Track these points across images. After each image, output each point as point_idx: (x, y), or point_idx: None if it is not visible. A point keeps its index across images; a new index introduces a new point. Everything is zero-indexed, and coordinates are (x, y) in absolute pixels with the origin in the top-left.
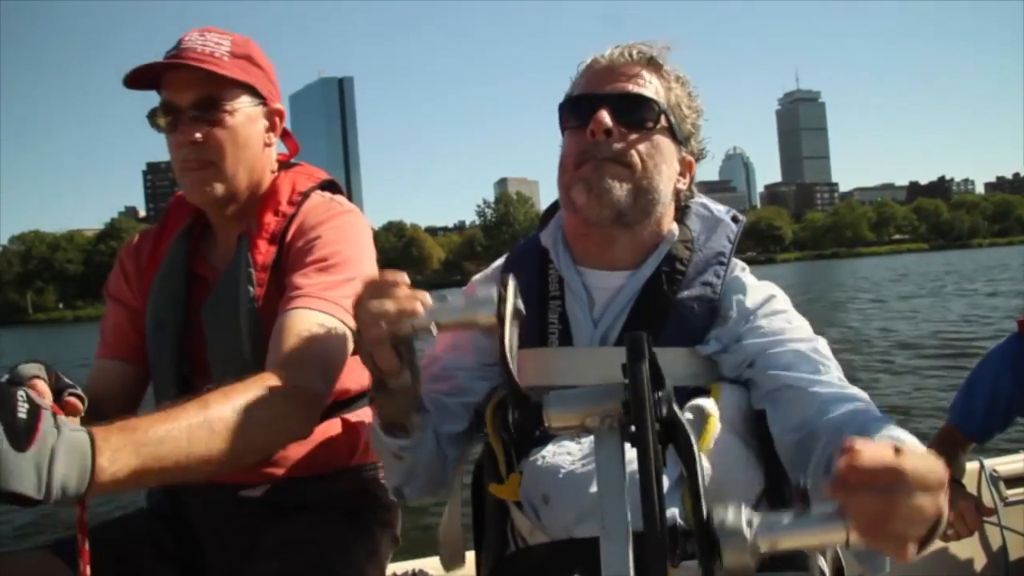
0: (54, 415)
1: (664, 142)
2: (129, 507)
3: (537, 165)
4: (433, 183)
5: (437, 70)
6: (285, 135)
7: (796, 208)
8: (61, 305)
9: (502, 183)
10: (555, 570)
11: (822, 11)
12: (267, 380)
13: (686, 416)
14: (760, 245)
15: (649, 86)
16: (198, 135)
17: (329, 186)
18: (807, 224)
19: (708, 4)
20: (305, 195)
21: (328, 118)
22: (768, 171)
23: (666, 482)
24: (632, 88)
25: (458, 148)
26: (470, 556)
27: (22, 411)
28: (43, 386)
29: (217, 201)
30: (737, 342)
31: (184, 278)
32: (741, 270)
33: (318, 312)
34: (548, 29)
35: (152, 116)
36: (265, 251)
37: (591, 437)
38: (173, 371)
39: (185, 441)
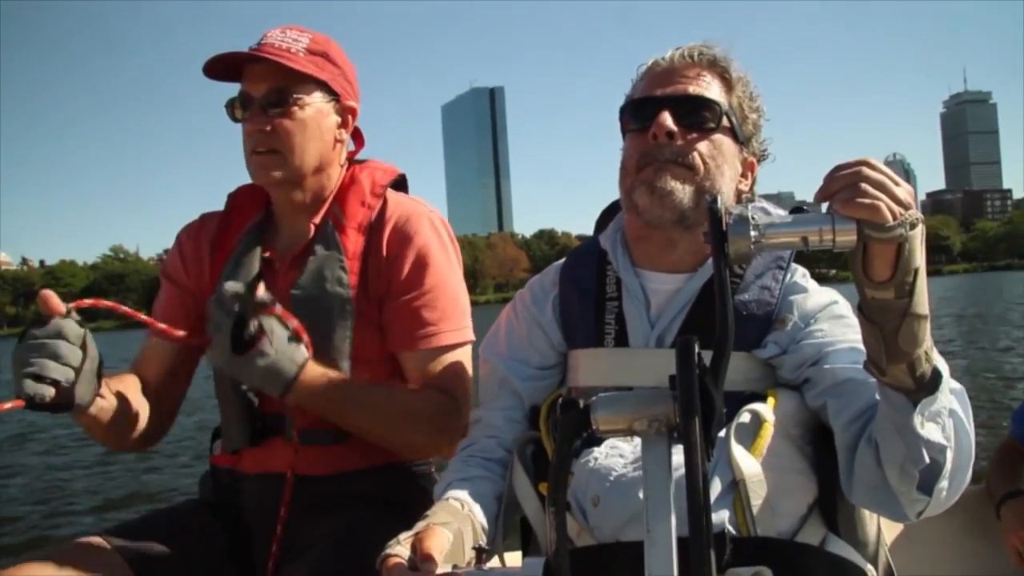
0: (295, 337)
1: (726, 143)
2: (182, 497)
3: None
4: (582, 192)
5: (587, 80)
6: (355, 132)
7: (963, 217)
8: None
9: None
10: (600, 573)
11: (994, 6)
12: (442, 401)
13: (742, 419)
14: (925, 256)
15: (710, 87)
16: (267, 125)
17: (401, 180)
18: (977, 234)
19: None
20: (385, 187)
21: (479, 127)
22: (931, 178)
23: (716, 488)
24: (693, 90)
25: (607, 157)
26: (517, 555)
27: (252, 328)
28: None
29: (279, 184)
30: (797, 343)
31: (259, 268)
32: (802, 275)
33: (456, 346)
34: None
35: (230, 106)
36: (355, 240)
37: None
38: None
39: (360, 409)
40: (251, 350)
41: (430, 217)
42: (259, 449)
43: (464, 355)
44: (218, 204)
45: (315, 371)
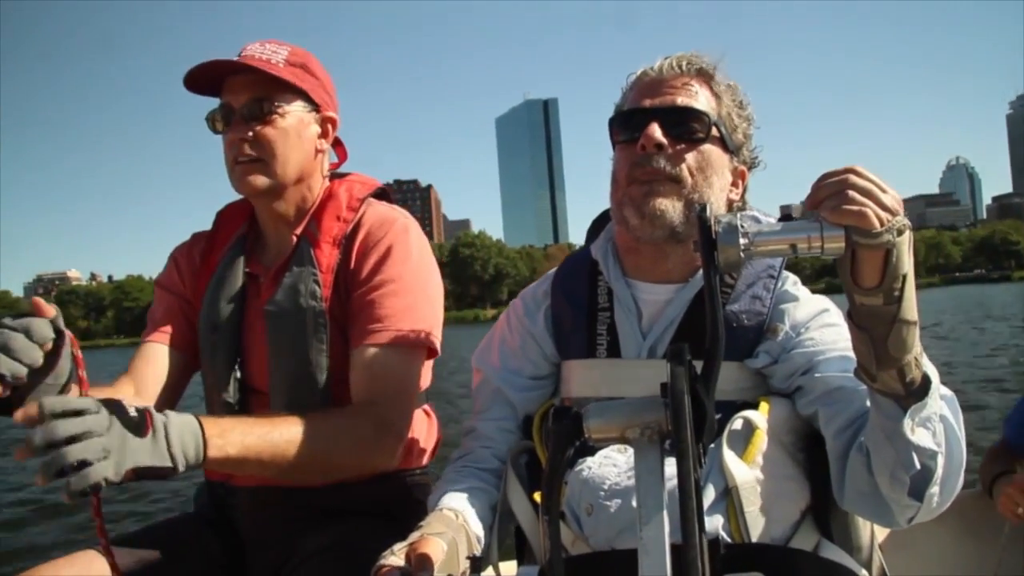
0: (159, 412)
1: (715, 153)
2: (176, 511)
3: None
4: None
5: None
6: (337, 144)
7: None
8: None
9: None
10: None
11: None
12: (362, 414)
13: (734, 426)
14: (992, 262)
15: (698, 97)
16: (249, 133)
17: (381, 193)
18: None
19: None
20: (363, 201)
21: (533, 139)
22: (997, 181)
23: (708, 495)
24: (681, 100)
25: None
26: (512, 565)
27: (133, 412)
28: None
29: (263, 193)
30: (788, 353)
31: (242, 281)
32: (793, 284)
33: (398, 347)
34: (754, 56)
35: (211, 118)
36: (329, 254)
37: None
38: (228, 371)
39: (283, 445)
40: (148, 427)
41: (404, 224)
42: None
43: (409, 361)
44: None
45: (210, 417)
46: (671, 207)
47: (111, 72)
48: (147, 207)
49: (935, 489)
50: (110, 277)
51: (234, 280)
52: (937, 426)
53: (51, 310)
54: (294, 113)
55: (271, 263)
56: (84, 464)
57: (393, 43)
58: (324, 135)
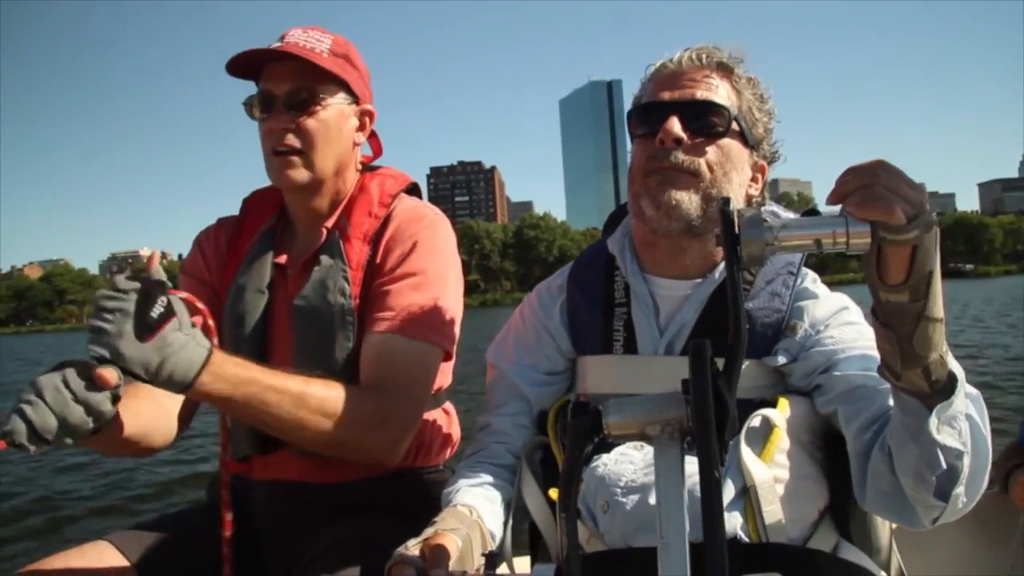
0: (193, 326)
1: (735, 148)
2: (191, 502)
3: (809, 165)
4: None
5: None
6: (372, 137)
7: None
8: None
9: (774, 184)
10: None
11: None
12: (366, 396)
13: (752, 424)
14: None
15: (718, 91)
16: (291, 124)
17: (413, 188)
18: None
19: None
20: (394, 197)
21: (596, 122)
22: None
23: (727, 494)
24: (701, 94)
25: None
26: (526, 560)
27: (156, 311)
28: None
29: (301, 187)
30: (807, 351)
31: (270, 274)
32: (812, 281)
33: (411, 339)
34: (823, 42)
35: (248, 104)
36: (359, 250)
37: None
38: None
39: (275, 403)
40: (154, 335)
41: (432, 220)
42: (268, 457)
43: (421, 355)
44: None
45: (221, 359)
46: (687, 199)
47: (181, 55)
48: (215, 185)
49: (960, 489)
50: (180, 255)
51: (262, 273)
52: (963, 425)
53: (114, 378)
54: (336, 105)
55: (299, 255)
56: (101, 332)
57: (459, 24)
58: (361, 128)
